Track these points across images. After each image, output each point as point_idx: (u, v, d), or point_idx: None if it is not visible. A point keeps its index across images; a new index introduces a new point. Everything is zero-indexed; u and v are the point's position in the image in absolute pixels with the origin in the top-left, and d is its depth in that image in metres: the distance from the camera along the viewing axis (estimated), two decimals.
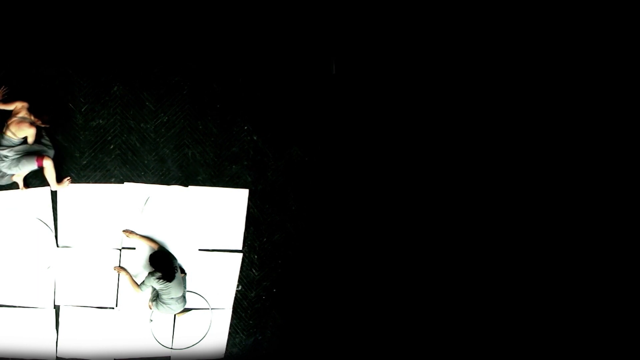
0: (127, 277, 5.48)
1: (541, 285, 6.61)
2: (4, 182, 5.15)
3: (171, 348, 6.13)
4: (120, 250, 5.65)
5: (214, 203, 5.82)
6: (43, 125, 4.98)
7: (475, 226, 6.59)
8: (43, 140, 5.10)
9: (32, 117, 4.85)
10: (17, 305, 5.57)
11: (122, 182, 5.52)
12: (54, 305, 5.67)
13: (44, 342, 5.75)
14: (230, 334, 6.39)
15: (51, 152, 5.14)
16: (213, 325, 6.15)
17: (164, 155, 5.62)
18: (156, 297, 5.56)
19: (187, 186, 5.73)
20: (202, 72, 5.51)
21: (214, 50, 5.51)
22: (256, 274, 6.29)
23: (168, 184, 5.69)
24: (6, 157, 4.88)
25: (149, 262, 5.42)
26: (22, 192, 5.36)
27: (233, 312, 6.30)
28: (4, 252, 5.37)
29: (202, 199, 5.78)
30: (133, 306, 5.89)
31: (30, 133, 4.87)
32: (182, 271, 5.81)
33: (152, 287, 5.38)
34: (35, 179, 5.30)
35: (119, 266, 5.62)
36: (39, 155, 5.00)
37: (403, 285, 6.68)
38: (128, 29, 5.23)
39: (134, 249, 5.67)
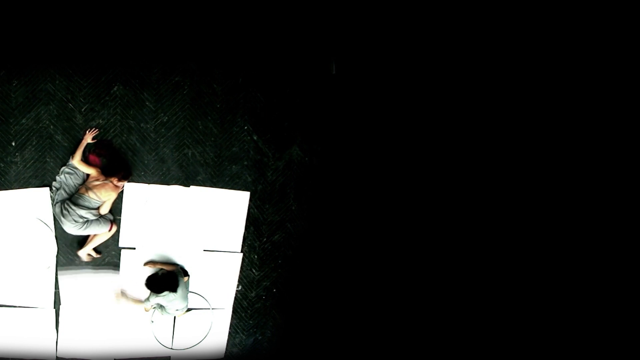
0: (130, 301, 5.62)
1: (541, 285, 6.61)
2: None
3: (171, 348, 6.13)
4: (120, 250, 5.66)
5: (214, 204, 5.82)
6: (120, 183, 5.19)
7: (475, 226, 6.59)
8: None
9: (111, 179, 5.08)
10: (17, 305, 5.57)
11: None
12: (54, 305, 5.67)
13: (44, 342, 5.75)
14: (230, 334, 6.39)
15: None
16: (213, 326, 6.15)
17: (164, 155, 5.62)
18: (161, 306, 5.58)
19: (189, 186, 5.73)
20: (202, 72, 5.51)
21: (214, 50, 5.51)
22: (256, 274, 6.29)
23: (168, 184, 5.70)
24: (82, 217, 5.03)
25: (154, 286, 5.39)
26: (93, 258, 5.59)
27: (233, 312, 6.30)
28: (4, 252, 5.37)
29: (203, 200, 5.78)
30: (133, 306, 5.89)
31: (114, 196, 5.13)
32: (185, 273, 5.76)
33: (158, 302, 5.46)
34: (35, 179, 5.30)
35: (119, 292, 5.68)
36: (111, 220, 5.32)
37: (403, 284, 6.68)
38: (128, 29, 5.23)
39: (134, 249, 5.68)
